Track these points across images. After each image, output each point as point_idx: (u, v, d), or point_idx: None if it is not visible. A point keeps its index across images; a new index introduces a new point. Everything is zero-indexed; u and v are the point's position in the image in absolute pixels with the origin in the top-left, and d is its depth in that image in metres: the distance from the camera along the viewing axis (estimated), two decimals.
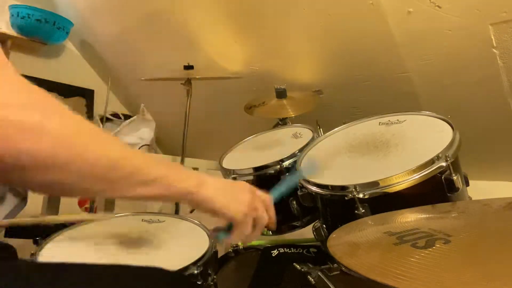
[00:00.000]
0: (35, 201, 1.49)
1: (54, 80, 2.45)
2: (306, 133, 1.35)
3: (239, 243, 1.32)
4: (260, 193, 0.77)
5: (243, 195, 0.72)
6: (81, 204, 2.34)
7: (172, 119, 2.52)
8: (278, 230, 1.27)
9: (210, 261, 0.97)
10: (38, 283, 0.63)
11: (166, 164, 0.62)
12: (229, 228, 0.72)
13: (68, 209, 2.04)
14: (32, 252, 0.92)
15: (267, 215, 0.76)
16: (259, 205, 0.74)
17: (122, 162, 0.54)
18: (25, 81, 0.46)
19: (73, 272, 0.68)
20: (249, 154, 1.40)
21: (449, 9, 1.16)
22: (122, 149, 0.55)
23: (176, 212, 1.65)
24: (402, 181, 0.84)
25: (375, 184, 0.86)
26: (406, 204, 0.74)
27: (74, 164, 0.47)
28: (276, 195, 0.85)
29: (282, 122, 1.60)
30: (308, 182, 1.00)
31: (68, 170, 0.47)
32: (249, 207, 0.72)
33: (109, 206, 1.79)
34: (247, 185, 0.76)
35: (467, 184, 0.95)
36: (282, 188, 0.87)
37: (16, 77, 0.46)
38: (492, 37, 1.17)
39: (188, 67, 1.68)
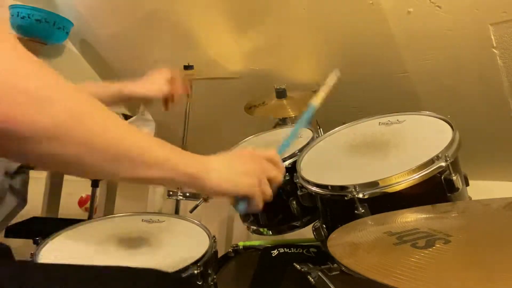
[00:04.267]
0: (35, 201, 1.49)
1: None
2: (306, 133, 1.35)
3: (239, 243, 1.32)
4: (264, 153, 0.75)
5: (249, 166, 0.70)
6: (81, 204, 2.34)
7: (172, 119, 2.52)
8: (278, 230, 1.27)
9: (210, 261, 0.98)
10: (34, 284, 0.63)
11: (170, 147, 0.61)
12: (247, 199, 0.70)
13: (68, 209, 2.04)
14: (32, 252, 0.92)
15: (278, 170, 0.75)
16: (267, 166, 0.73)
17: (126, 141, 0.53)
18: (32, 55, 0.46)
19: (70, 274, 0.68)
20: None
21: (449, 9, 1.16)
22: (128, 128, 0.54)
23: (176, 212, 1.65)
24: (402, 181, 0.84)
25: (375, 184, 0.86)
26: (406, 204, 0.74)
27: (77, 137, 0.46)
28: (282, 149, 0.84)
29: (282, 122, 1.60)
30: (308, 182, 1.00)
31: (70, 143, 0.46)
32: (258, 176, 0.70)
33: (109, 206, 1.80)
34: (249, 151, 0.73)
35: (467, 184, 0.95)
36: (286, 141, 0.86)
37: (23, 49, 0.44)
38: (492, 37, 1.17)
39: (188, 67, 1.68)
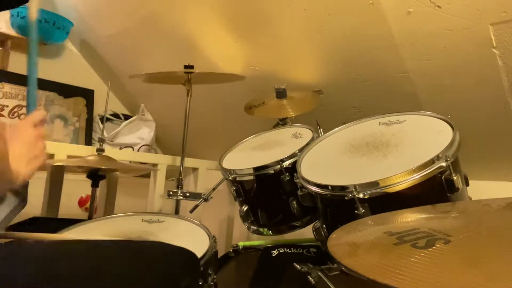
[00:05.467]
0: (35, 201, 1.49)
1: (54, 80, 2.45)
2: (306, 133, 1.35)
3: (239, 243, 1.32)
4: (23, 124, 0.75)
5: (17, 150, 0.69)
6: (81, 204, 2.34)
7: (172, 119, 2.52)
8: (278, 230, 1.27)
9: (210, 261, 0.98)
10: (44, 257, 0.64)
11: None
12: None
13: (68, 209, 2.04)
14: None
15: (39, 132, 0.75)
16: (32, 136, 0.73)
17: None
18: None
19: (79, 247, 0.68)
20: (249, 154, 1.40)
21: (449, 9, 1.16)
22: None
23: (176, 212, 1.65)
24: (402, 181, 0.84)
25: (375, 184, 0.86)
26: (406, 204, 0.74)
27: None
28: (31, 104, 0.83)
29: (282, 122, 1.60)
30: (308, 182, 1.00)
31: None
32: (27, 154, 0.71)
33: (109, 206, 1.80)
34: (9, 132, 0.72)
35: (467, 184, 0.95)
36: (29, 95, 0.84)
37: None
38: (492, 37, 1.16)
39: (188, 67, 1.68)
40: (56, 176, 1.59)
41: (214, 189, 1.56)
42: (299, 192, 1.06)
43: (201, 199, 1.53)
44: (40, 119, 0.78)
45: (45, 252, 0.69)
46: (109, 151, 1.48)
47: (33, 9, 0.86)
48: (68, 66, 2.57)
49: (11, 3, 0.62)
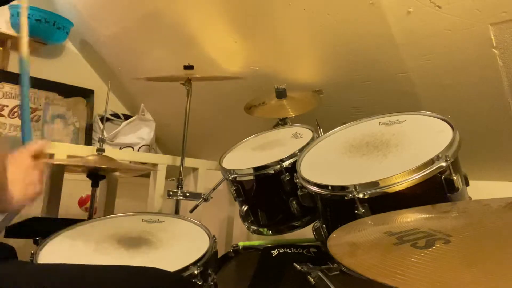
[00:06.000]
0: (35, 201, 1.49)
1: (54, 80, 2.45)
2: (306, 133, 1.35)
3: (239, 243, 1.32)
4: (23, 154, 0.77)
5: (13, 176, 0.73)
6: (81, 204, 2.34)
7: (172, 119, 2.52)
8: (278, 230, 1.27)
9: (210, 261, 0.98)
10: (37, 284, 0.63)
11: None
12: None
13: (68, 209, 2.04)
14: (32, 252, 0.92)
15: (38, 160, 0.78)
16: (29, 166, 0.76)
17: None
18: None
19: (72, 274, 0.68)
20: (249, 154, 1.40)
21: (449, 9, 1.16)
22: None
23: (176, 212, 1.65)
24: (402, 181, 0.84)
25: (375, 184, 0.86)
26: (406, 204, 0.74)
27: None
28: (27, 134, 0.85)
29: (282, 122, 1.60)
30: (308, 182, 1.00)
31: None
32: (23, 181, 0.75)
33: (109, 206, 1.80)
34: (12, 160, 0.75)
35: (467, 184, 0.95)
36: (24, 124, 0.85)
37: None
38: (492, 37, 1.16)
39: (188, 67, 1.68)
40: (56, 176, 1.59)
41: (214, 189, 1.56)
42: (299, 192, 1.06)
43: (201, 199, 1.53)
44: (39, 151, 0.80)
45: (43, 274, 0.69)
46: (109, 151, 1.48)
47: (23, 49, 0.89)
48: (68, 66, 2.57)
49: None
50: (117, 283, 0.70)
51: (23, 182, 0.75)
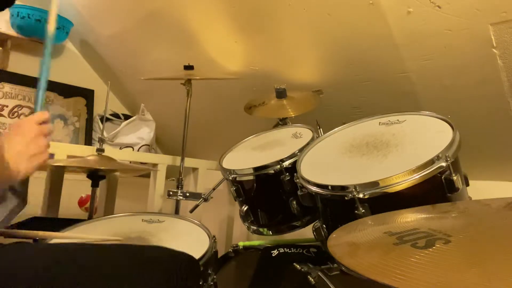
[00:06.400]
0: (35, 201, 1.49)
1: (54, 80, 2.45)
2: (306, 133, 1.35)
3: (239, 243, 1.32)
4: (30, 120, 0.77)
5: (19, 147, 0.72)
6: (81, 204, 2.34)
7: (172, 119, 2.52)
8: (278, 230, 1.27)
9: (210, 261, 0.98)
10: (44, 260, 0.64)
11: None
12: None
13: (68, 209, 2.04)
14: None
15: (44, 129, 0.78)
16: (36, 133, 0.75)
17: None
18: None
19: (80, 253, 0.69)
20: (249, 154, 1.40)
21: (449, 9, 1.16)
22: None
23: (176, 212, 1.65)
24: (402, 181, 0.84)
25: (375, 184, 0.86)
26: (406, 204, 0.74)
27: None
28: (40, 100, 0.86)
29: (282, 122, 1.60)
30: (308, 182, 1.00)
31: None
32: (30, 151, 0.73)
33: (109, 206, 1.80)
34: (18, 126, 0.75)
35: (467, 184, 0.95)
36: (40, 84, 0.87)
37: None
38: (492, 37, 1.16)
39: (188, 67, 1.68)
40: (56, 176, 1.59)
41: (214, 189, 1.56)
42: (299, 192, 1.06)
43: (201, 199, 1.53)
44: (43, 119, 0.80)
45: (46, 255, 0.69)
46: (109, 151, 1.48)
47: (52, 17, 0.88)
48: (68, 66, 2.57)
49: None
50: (125, 259, 0.70)
51: (28, 153, 0.73)
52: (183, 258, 0.77)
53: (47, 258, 0.67)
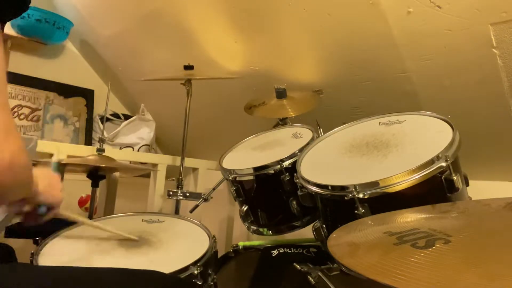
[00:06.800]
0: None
1: (54, 80, 2.45)
2: (306, 133, 1.35)
3: (239, 243, 1.32)
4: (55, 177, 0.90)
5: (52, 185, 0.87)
6: (81, 204, 2.34)
7: (172, 119, 2.52)
8: (278, 230, 1.27)
9: (210, 261, 0.98)
10: (38, 286, 0.64)
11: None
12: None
13: (68, 209, 2.04)
14: (32, 252, 0.92)
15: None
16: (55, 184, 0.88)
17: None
18: None
19: (70, 276, 0.69)
20: (249, 154, 1.40)
21: (449, 9, 1.16)
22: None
23: (176, 212, 1.65)
24: (402, 181, 0.84)
25: (375, 184, 0.86)
26: (406, 204, 0.74)
27: None
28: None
29: (282, 122, 1.60)
30: (308, 182, 1.00)
31: None
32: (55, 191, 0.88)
33: (109, 206, 1.80)
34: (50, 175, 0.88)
35: (467, 184, 0.95)
36: None
37: None
38: (492, 37, 1.16)
39: (188, 67, 1.68)
40: None
41: (214, 189, 1.56)
42: (299, 192, 1.06)
43: (201, 199, 1.53)
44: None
45: (44, 276, 0.69)
46: (109, 151, 1.48)
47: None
48: (68, 66, 2.57)
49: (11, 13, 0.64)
50: (113, 286, 0.70)
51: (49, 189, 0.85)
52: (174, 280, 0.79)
53: (43, 280, 0.68)
